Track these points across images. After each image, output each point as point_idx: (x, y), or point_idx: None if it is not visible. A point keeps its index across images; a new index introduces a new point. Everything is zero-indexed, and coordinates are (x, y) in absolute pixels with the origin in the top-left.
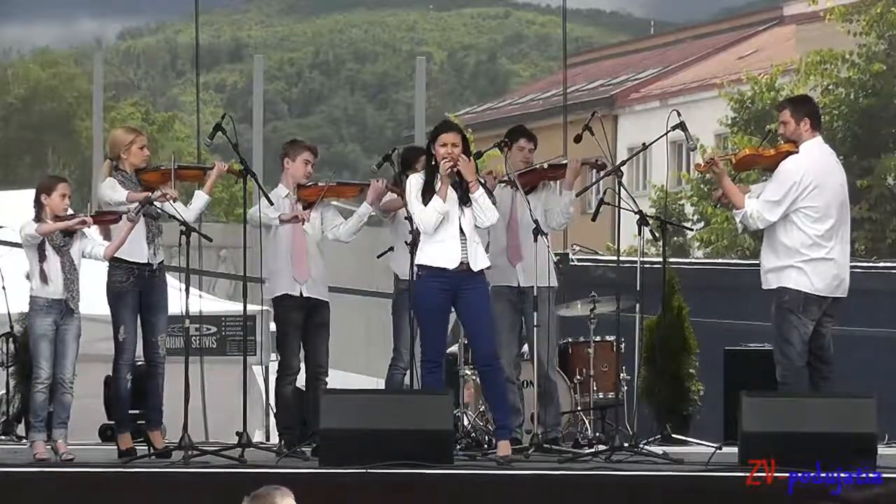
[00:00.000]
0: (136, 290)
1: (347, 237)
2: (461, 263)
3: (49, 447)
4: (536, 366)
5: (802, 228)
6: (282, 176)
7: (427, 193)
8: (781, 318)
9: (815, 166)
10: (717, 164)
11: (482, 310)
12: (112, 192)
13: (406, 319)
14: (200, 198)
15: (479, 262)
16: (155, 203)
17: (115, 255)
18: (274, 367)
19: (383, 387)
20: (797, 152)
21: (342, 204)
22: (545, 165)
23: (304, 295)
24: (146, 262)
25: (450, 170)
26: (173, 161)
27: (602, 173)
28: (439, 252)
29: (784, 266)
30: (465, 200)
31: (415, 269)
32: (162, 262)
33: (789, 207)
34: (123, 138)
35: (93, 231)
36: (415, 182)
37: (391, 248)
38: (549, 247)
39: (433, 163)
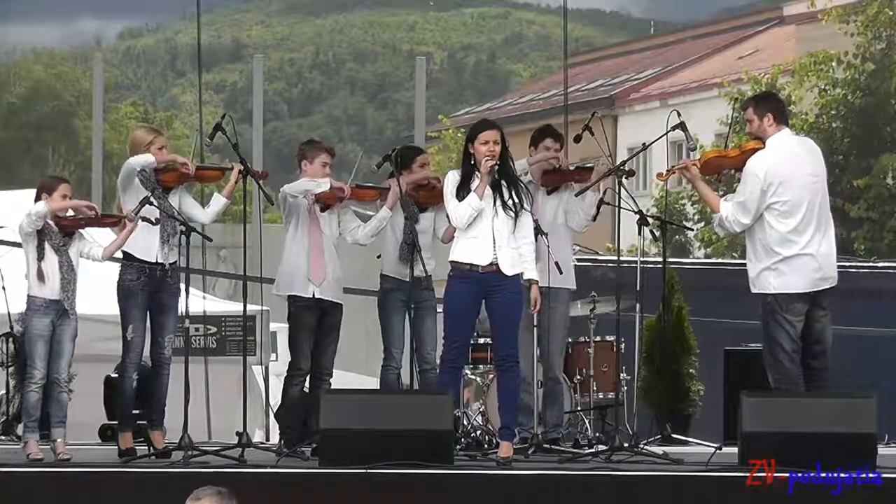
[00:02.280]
0: (146, 289)
1: (366, 240)
2: (491, 263)
3: (42, 447)
4: (545, 366)
5: (773, 225)
6: (298, 177)
7: (462, 190)
8: (768, 320)
9: (779, 160)
10: (688, 168)
11: (510, 312)
12: (140, 159)
13: (395, 320)
14: (218, 201)
15: (512, 266)
16: (153, 203)
17: (127, 252)
18: (274, 367)
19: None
20: (763, 148)
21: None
22: (571, 167)
23: (317, 297)
24: (157, 261)
25: (491, 168)
26: (192, 161)
27: (602, 173)
28: (470, 249)
29: (763, 268)
30: (503, 204)
31: (418, 267)
32: (175, 262)
33: (759, 206)
34: (143, 138)
35: (94, 231)
36: (451, 178)
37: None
38: (549, 247)
39: (471, 161)
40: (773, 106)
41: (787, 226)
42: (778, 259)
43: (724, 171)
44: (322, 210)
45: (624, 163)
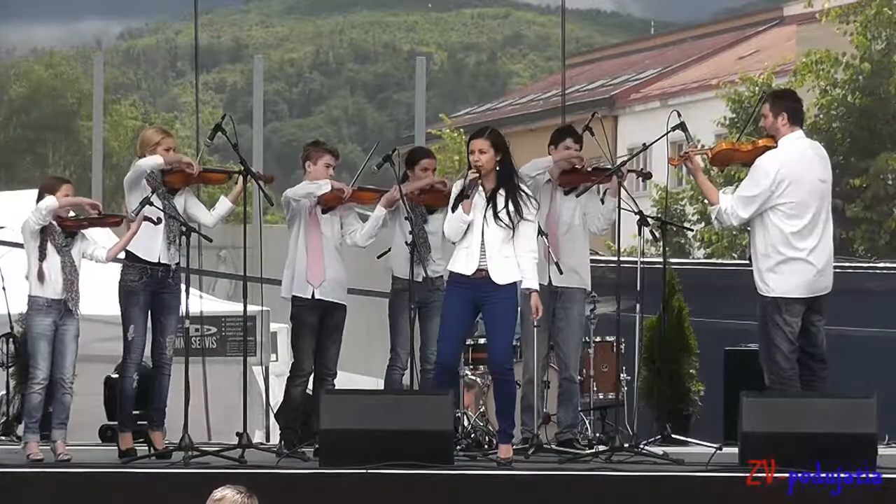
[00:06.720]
0: (147, 289)
1: (364, 242)
2: (478, 270)
3: (42, 448)
4: (560, 367)
5: (778, 225)
6: (303, 179)
7: (460, 200)
8: (765, 320)
9: (791, 162)
10: (691, 158)
11: (503, 320)
12: (149, 161)
13: (402, 320)
14: (224, 204)
15: (504, 275)
16: (154, 204)
17: (130, 252)
18: (274, 367)
19: (382, 387)
20: (776, 147)
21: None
22: (589, 168)
23: (316, 297)
24: (160, 261)
25: (472, 180)
26: (197, 164)
27: (602, 174)
28: (460, 258)
29: (764, 267)
30: (495, 214)
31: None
32: (178, 263)
33: (764, 204)
34: (152, 138)
35: (95, 233)
36: (454, 189)
37: (390, 249)
38: (548, 247)
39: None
40: (789, 106)
41: (791, 227)
42: (781, 259)
43: (732, 163)
44: (323, 212)
45: (624, 163)
